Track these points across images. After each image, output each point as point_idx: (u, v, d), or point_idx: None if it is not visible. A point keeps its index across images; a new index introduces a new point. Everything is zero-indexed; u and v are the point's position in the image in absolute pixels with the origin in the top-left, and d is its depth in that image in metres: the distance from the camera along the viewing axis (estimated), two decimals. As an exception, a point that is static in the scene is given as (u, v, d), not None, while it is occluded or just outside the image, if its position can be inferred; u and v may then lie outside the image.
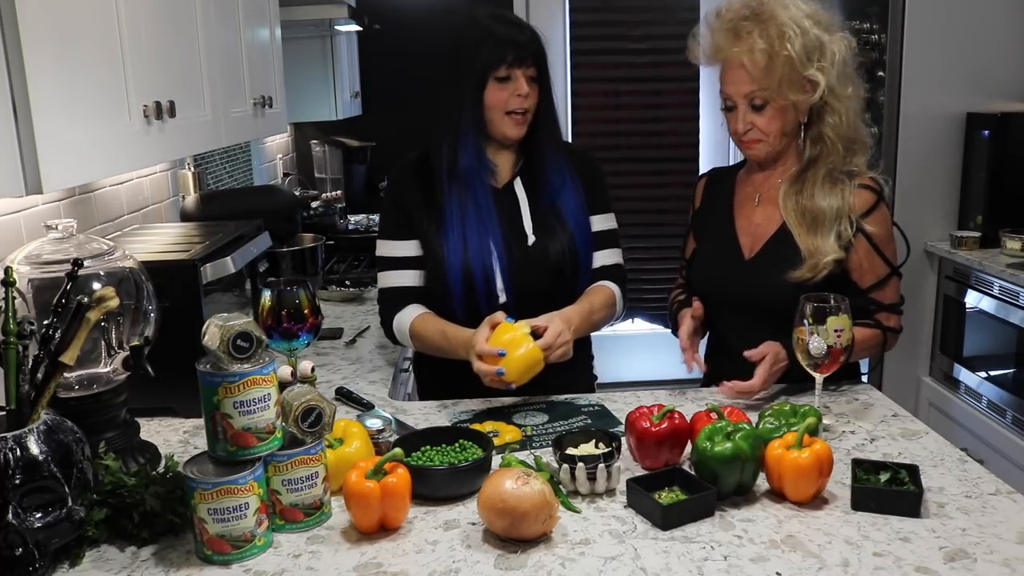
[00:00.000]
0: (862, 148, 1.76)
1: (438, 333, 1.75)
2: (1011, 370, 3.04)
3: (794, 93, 1.68)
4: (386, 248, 1.85)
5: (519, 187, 1.83)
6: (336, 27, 3.49)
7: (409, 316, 1.79)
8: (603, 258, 1.89)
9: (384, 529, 1.24)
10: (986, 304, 3.15)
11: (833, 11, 1.74)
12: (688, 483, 1.31)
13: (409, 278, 1.83)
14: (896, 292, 1.76)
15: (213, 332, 1.18)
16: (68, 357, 1.19)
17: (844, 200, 1.71)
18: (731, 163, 2.04)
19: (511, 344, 1.58)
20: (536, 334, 1.61)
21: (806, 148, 1.75)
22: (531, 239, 1.81)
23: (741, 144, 1.78)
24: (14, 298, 1.17)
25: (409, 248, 1.83)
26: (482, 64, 1.71)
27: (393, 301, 1.83)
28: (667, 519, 1.23)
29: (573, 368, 1.76)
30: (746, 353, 1.66)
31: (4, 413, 1.17)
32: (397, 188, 1.88)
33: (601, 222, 1.89)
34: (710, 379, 1.90)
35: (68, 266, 1.24)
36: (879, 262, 1.73)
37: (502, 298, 1.78)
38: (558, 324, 1.64)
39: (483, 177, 1.78)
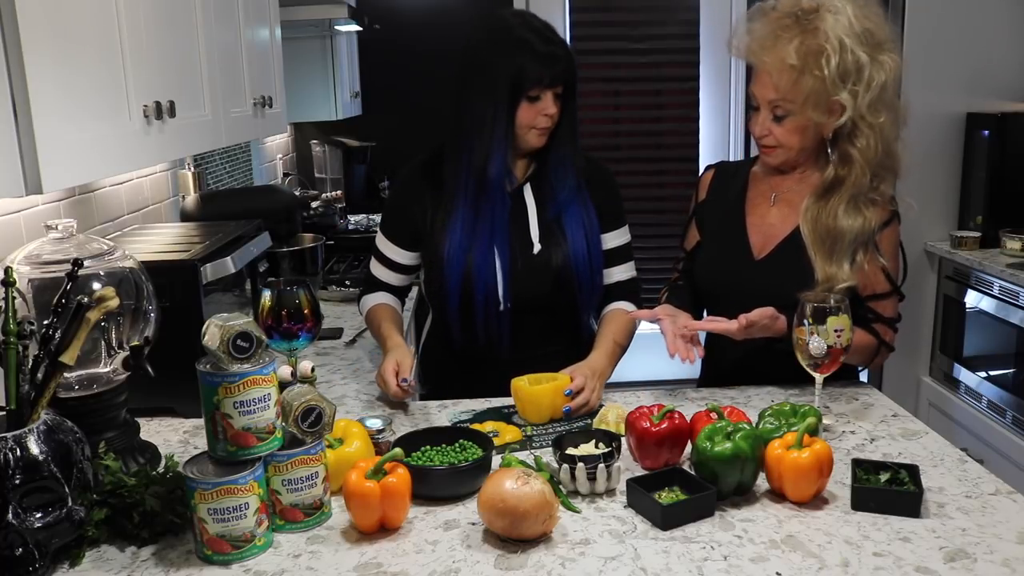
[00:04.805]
0: (891, 174, 1.71)
1: (377, 327, 1.83)
2: (1011, 370, 3.04)
3: (818, 114, 1.63)
4: (382, 244, 1.90)
5: (528, 193, 1.81)
6: (336, 27, 3.49)
7: (373, 300, 1.90)
8: (619, 273, 1.90)
9: (384, 529, 1.24)
10: (986, 304, 3.15)
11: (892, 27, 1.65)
12: (688, 483, 1.31)
13: (391, 277, 1.91)
14: (894, 309, 1.74)
15: (213, 332, 1.18)
16: (68, 357, 1.19)
17: (865, 220, 1.67)
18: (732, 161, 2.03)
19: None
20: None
21: (832, 163, 1.69)
22: (536, 247, 1.79)
23: (759, 146, 1.76)
24: (14, 298, 1.16)
25: (403, 256, 1.88)
26: (519, 83, 1.67)
27: (370, 284, 1.94)
28: (667, 519, 1.23)
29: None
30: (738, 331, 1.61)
31: (4, 413, 1.17)
32: (404, 191, 1.88)
33: (616, 238, 1.88)
34: (709, 379, 1.90)
35: (68, 266, 1.23)
36: (882, 277, 1.71)
37: (503, 305, 1.76)
38: (585, 371, 1.67)
39: (504, 186, 1.77)
